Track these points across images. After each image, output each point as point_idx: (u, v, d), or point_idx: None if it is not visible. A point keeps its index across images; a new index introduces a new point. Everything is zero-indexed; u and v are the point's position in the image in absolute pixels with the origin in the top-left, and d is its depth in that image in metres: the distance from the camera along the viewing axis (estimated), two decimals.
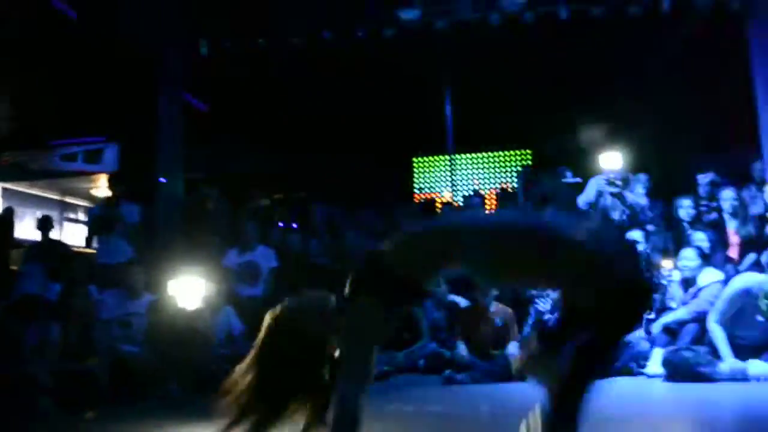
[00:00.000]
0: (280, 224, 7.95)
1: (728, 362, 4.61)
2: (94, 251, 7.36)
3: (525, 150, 11.68)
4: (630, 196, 6.83)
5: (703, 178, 7.48)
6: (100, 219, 7.32)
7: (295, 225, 7.96)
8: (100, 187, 11.94)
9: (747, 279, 4.87)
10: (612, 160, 6.87)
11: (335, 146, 10.57)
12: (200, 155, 9.55)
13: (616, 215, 6.82)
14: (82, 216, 13.22)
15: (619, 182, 6.82)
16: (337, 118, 10.39)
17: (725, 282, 5.23)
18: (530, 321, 5.84)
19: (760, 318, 4.64)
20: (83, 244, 8.39)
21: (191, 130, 8.88)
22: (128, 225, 7.14)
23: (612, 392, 3.30)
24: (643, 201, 6.93)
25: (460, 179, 11.79)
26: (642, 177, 7.66)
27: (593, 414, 3.37)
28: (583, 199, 7.09)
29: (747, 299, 4.66)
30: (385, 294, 2.11)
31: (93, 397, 5.01)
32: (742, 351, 4.63)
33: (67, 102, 9.46)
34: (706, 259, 5.65)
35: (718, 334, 4.72)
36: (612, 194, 6.81)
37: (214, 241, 7.41)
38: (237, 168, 10.27)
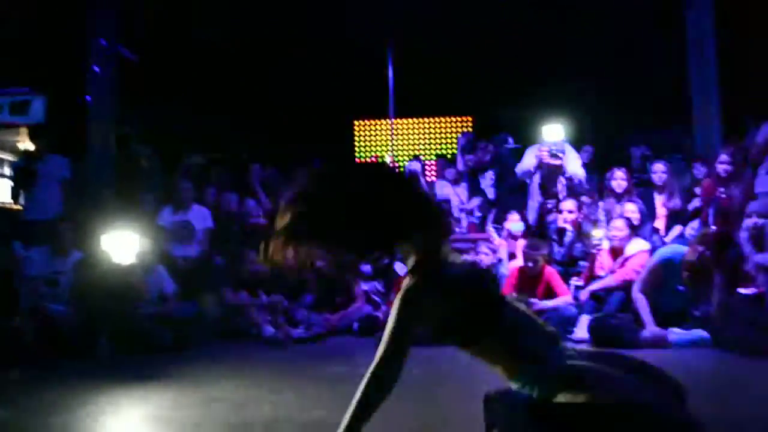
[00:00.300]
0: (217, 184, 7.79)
1: (650, 329, 4.79)
2: (21, 207, 7.07)
3: (466, 117, 11.75)
4: (569, 168, 6.98)
5: (636, 151, 7.71)
6: (21, 172, 7.00)
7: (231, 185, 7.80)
8: (27, 141, 11.45)
9: (670, 249, 5.05)
10: (554, 131, 6.96)
11: (277, 107, 10.42)
12: (134, 111, 9.26)
13: (554, 186, 6.96)
14: (7, 171, 12.68)
15: (560, 154, 6.94)
16: (280, 79, 10.22)
17: (651, 252, 5.43)
18: None
19: (681, 287, 4.83)
20: (8, 199, 8.04)
21: (124, 85, 8.58)
22: (57, 179, 6.86)
23: None
24: (582, 173, 7.09)
25: (400, 144, 11.80)
26: (587, 149, 7.83)
27: None
28: (521, 168, 7.21)
29: (669, 269, 4.83)
30: None
31: (18, 355, 4.88)
32: (664, 319, 4.81)
33: None
34: (635, 229, 5.84)
35: (641, 302, 4.90)
36: (551, 165, 6.93)
37: (148, 199, 7.22)
38: (173, 125, 9.99)
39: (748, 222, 5.31)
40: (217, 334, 5.79)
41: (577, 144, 7.73)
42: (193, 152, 8.46)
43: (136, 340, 5.12)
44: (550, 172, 6.95)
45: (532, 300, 5.44)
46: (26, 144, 11.09)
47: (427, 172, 9.56)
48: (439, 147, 11.86)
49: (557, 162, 6.87)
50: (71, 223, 6.10)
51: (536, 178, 7.04)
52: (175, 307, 5.95)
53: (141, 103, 9.50)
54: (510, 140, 8.28)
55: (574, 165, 7.02)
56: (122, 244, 5.41)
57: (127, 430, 3.06)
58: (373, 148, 12.04)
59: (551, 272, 5.63)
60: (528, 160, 7.15)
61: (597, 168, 7.65)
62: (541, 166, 6.98)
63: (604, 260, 5.83)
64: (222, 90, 10.07)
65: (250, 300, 5.90)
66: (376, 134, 12.08)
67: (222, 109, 9.99)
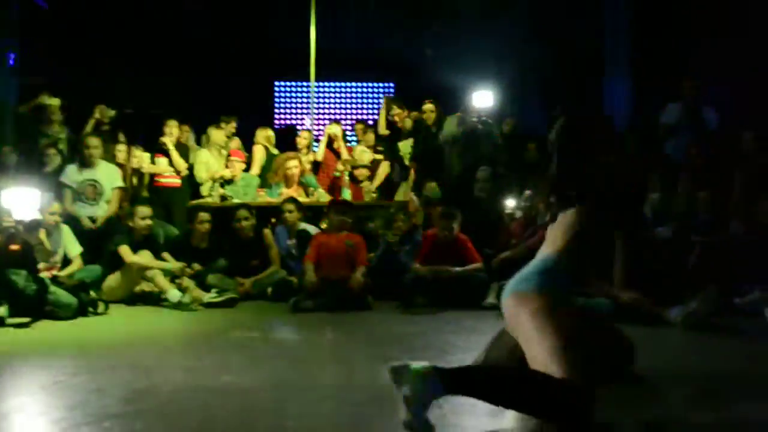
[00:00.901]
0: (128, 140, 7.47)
1: None
2: None
3: (388, 82, 11.72)
4: (495, 135, 7.11)
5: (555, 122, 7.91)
6: None
7: (142, 142, 7.49)
8: None
9: None
10: (483, 98, 7.05)
11: (197, 65, 10.09)
12: (43, 61, 8.77)
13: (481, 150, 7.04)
14: None
15: (489, 120, 7.04)
16: (201, 37, 9.91)
17: None
18: (379, 252, 5.99)
19: None
20: None
21: (34, 33, 8.10)
22: None
23: (453, 324, 3.50)
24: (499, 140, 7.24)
25: (321, 107, 11.66)
26: (508, 120, 7.96)
27: (440, 344, 3.55)
28: (444, 135, 7.20)
29: None
30: None
31: None
32: None
33: None
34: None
35: None
36: (480, 132, 7.00)
37: (52, 154, 6.85)
38: (83, 78, 9.53)
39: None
40: (121, 299, 5.61)
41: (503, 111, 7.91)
42: (104, 106, 8.08)
43: (37, 303, 4.88)
44: (472, 140, 7.02)
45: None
46: None
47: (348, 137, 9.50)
48: (360, 112, 11.80)
49: (487, 129, 6.99)
50: None
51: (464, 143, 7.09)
52: (82, 270, 5.74)
53: (51, 53, 9.01)
54: None
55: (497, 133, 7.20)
56: (23, 200, 5.13)
57: (26, 398, 2.93)
58: (293, 110, 11.86)
59: (465, 240, 5.71)
60: (450, 128, 7.15)
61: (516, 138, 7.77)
62: (473, 131, 7.04)
63: (516, 228, 5.98)
64: (136, 42, 9.66)
65: (152, 263, 5.68)
66: (296, 96, 11.89)
67: (136, 63, 9.59)
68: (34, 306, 4.84)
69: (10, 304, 4.74)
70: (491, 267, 5.59)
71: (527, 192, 6.05)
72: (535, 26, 9.56)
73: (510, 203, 6.19)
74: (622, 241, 3.44)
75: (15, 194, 5.17)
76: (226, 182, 7.20)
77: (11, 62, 8.38)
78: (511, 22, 9.69)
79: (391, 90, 11.55)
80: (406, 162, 7.59)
